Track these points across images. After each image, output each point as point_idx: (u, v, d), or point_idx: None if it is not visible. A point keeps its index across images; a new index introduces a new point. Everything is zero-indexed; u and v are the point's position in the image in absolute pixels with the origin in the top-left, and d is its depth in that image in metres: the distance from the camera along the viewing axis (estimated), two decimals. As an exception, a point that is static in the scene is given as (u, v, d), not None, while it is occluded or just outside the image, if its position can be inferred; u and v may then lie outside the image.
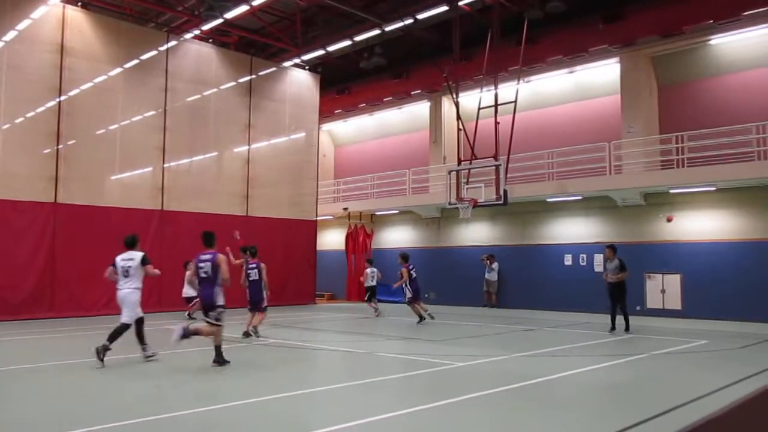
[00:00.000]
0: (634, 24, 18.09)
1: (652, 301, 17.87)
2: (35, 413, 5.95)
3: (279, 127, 22.38)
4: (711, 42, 18.04)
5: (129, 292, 8.91)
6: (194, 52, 20.07)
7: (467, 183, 18.14)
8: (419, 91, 24.12)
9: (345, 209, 24.84)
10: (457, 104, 18.79)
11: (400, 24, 18.94)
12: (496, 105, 17.67)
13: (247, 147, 21.22)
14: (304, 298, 22.71)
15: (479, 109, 18.12)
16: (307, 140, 23.27)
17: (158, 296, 18.34)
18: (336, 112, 27.07)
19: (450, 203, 18.21)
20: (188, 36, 20.24)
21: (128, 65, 18.32)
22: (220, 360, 8.66)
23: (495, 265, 20.98)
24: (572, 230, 20.02)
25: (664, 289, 17.77)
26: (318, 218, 23.59)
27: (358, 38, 20.37)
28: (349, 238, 25.18)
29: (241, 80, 21.19)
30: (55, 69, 16.67)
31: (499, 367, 9.04)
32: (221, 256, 8.91)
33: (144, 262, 8.99)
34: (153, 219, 18.46)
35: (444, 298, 22.56)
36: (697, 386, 7.58)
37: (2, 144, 15.98)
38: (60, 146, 16.67)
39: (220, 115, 20.58)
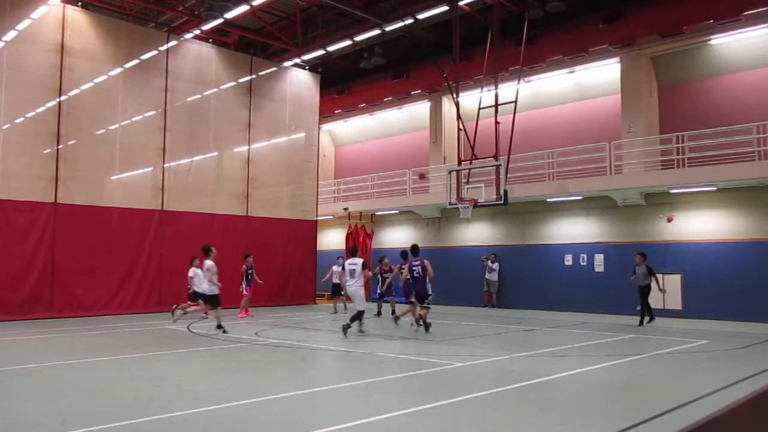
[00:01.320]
0: (634, 24, 18.07)
1: (653, 301, 17.63)
2: (35, 413, 5.95)
3: (279, 127, 22.38)
4: (711, 42, 18.04)
5: (358, 287, 12.44)
6: (194, 52, 20.06)
7: (467, 183, 18.13)
8: (419, 91, 24.10)
9: (345, 209, 24.83)
10: (457, 104, 18.78)
11: (400, 24, 18.92)
12: (496, 105, 17.64)
13: (247, 147, 21.22)
14: (304, 297, 22.74)
15: (479, 109, 18.10)
16: (307, 140, 23.27)
17: (158, 296, 18.40)
18: (336, 112, 27.05)
19: (450, 203, 18.19)
20: (188, 36, 20.23)
21: (128, 65, 18.31)
22: (425, 324, 12.78)
23: (495, 265, 20.95)
24: (572, 230, 20.01)
25: (664, 289, 17.73)
26: (318, 218, 23.59)
27: (358, 38, 20.35)
28: (350, 238, 25.17)
29: (241, 80, 21.19)
30: (55, 69, 16.67)
31: (500, 367, 9.04)
32: (426, 261, 13.02)
33: (363, 266, 12.45)
34: (153, 219, 18.46)
35: (444, 298, 22.51)
36: (697, 386, 7.58)
37: (2, 144, 15.97)
38: (60, 146, 16.67)
39: (220, 115, 20.57)
